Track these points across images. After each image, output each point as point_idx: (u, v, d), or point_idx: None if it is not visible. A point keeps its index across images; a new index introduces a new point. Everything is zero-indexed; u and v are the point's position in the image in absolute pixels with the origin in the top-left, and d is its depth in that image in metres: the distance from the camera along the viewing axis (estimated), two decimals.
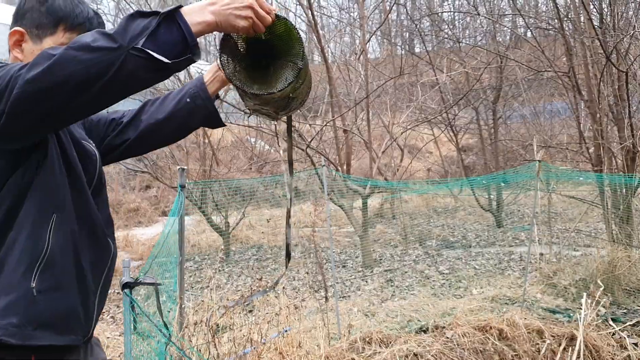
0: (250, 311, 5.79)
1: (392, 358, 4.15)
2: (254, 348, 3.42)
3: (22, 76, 1.14)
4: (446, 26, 13.45)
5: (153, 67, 1.17)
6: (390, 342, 4.55)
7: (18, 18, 1.48)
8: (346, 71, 10.10)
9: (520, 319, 4.59)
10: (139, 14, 1.18)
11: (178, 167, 3.37)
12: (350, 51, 14.38)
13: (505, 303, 5.72)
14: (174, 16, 1.19)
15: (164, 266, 4.04)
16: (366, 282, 7.23)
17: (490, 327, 4.58)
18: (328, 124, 8.09)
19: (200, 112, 1.71)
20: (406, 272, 7.65)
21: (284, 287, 6.64)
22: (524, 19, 8.50)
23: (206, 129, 9.74)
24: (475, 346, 4.41)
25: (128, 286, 1.45)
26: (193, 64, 1.30)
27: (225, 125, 1.84)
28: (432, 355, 4.23)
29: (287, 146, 1.79)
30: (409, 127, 10.21)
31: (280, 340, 3.88)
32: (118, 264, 7.47)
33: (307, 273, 7.87)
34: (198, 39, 1.23)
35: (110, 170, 16.03)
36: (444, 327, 4.83)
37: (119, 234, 11.99)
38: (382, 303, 6.07)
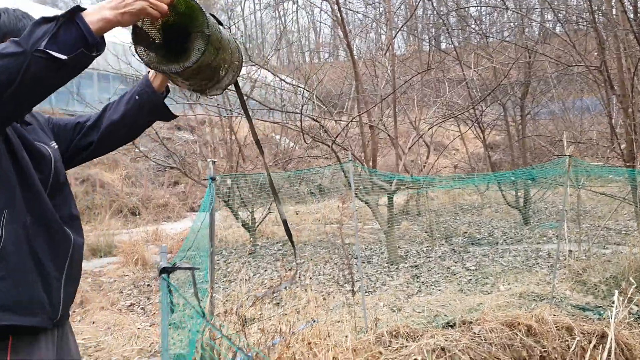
0: (278, 304, 5.84)
1: (419, 352, 4.15)
2: (283, 339, 3.45)
3: None
4: (473, 21, 13.32)
5: (54, 66, 1.26)
6: (417, 337, 4.55)
7: None
8: (372, 67, 10.08)
9: (550, 316, 4.54)
10: (43, 20, 1.26)
11: (208, 160, 3.42)
12: (375, 47, 14.35)
13: (534, 299, 5.67)
14: (72, 18, 1.27)
15: (193, 259, 4.11)
16: (392, 277, 7.23)
17: (519, 323, 4.55)
18: (354, 120, 8.09)
19: (146, 106, 1.81)
20: (432, 268, 7.62)
21: (310, 278, 6.67)
22: (554, 12, 8.37)
23: (232, 126, 9.86)
24: (503, 341, 4.38)
25: (165, 271, 1.50)
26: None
27: (176, 116, 1.93)
28: (459, 350, 4.22)
29: (250, 126, 1.92)
30: (435, 123, 10.15)
31: (308, 331, 3.91)
32: (139, 256, 7.55)
33: (333, 268, 7.90)
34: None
35: (140, 167, 16.28)
36: (471, 323, 4.81)
37: (148, 229, 12.18)
38: (408, 298, 6.06)
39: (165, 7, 1.38)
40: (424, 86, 12.13)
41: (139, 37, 1.44)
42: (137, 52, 1.44)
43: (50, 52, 1.23)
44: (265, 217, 10.74)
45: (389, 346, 4.30)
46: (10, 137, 1.55)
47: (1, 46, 1.25)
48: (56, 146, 1.80)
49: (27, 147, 1.64)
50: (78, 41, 1.27)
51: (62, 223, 1.68)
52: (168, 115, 1.90)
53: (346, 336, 4.12)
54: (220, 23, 1.60)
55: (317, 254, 9.12)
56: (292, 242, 1.93)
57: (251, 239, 10.16)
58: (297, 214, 12.61)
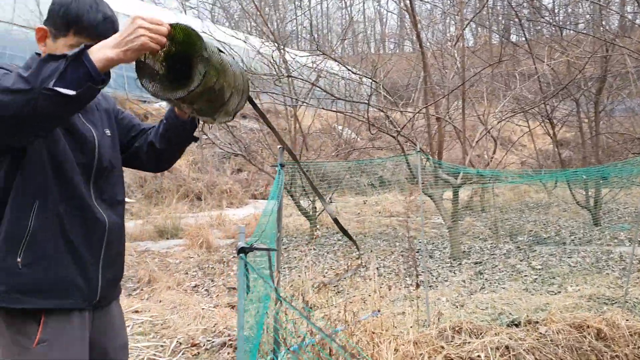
0: (339, 292, 5.88)
1: (482, 349, 4.09)
2: (347, 327, 3.48)
3: None
4: (547, 13, 12.84)
5: (62, 101, 1.33)
6: (481, 334, 4.48)
7: (47, 17, 1.69)
8: (440, 58, 9.91)
9: (622, 320, 4.37)
10: (51, 58, 1.33)
11: (278, 147, 3.48)
12: (444, 38, 14.09)
13: (604, 303, 5.45)
14: (80, 57, 1.35)
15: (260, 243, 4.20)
16: (454, 273, 7.13)
17: (588, 326, 4.40)
18: (420, 112, 7.99)
19: (172, 129, 1.93)
20: (496, 265, 7.45)
21: (376, 269, 6.67)
22: (638, 3, 7.95)
23: (297, 115, 9.94)
24: (570, 344, 4.25)
25: (243, 251, 1.56)
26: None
27: (196, 140, 2.03)
28: (524, 350, 4.13)
29: (276, 136, 2.03)
30: (504, 117, 9.88)
31: (370, 322, 3.92)
32: (212, 241, 7.72)
33: (393, 261, 7.87)
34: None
35: (206, 153, 16.70)
36: (537, 323, 4.68)
37: (212, 214, 12.51)
38: (471, 295, 5.96)
39: (164, 39, 1.43)
40: (493, 79, 11.82)
41: (142, 70, 1.50)
42: (142, 84, 1.50)
43: (58, 89, 1.31)
44: (323, 210, 10.82)
45: (451, 341, 4.26)
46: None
47: (9, 81, 1.33)
48: (109, 133, 1.88)
49: (72, 131, 1.72)
50: (85, 78, 1.35)
51: (102, 208, 1.77)
52: (191, 138, 2.00)
53: (408, 329, 4.10)
54: (221, 51, 1.63)
55: (377, 246, 9.10)
56: (348, 236, 1.96)
57: (311, 228, 10.26)
58: (365, 202, 12.59)
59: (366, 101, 6.91)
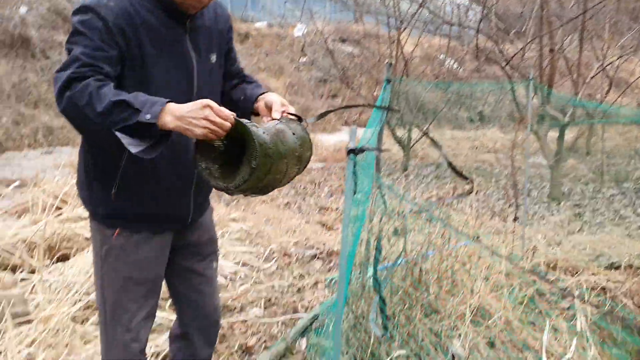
0: (430, 221, 5.86)
1: (576, 287, 3.99)
2: (438, 251, 3.48)
3: (56, 90, 1.49)
4: None
5: (120, 140, 1.49)
6: (577, 273, 4.35)
7: None
8: None
9: None
10: (126, 105, 1.44)
11: (386, 61, 3.42)
12: None
13: None
14: (148, 126, 1.44)
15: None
16: (552, 213, 6.88)
17: None
18: (533, 41, 7.51)
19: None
20: (598, 209, 7.11)
21: (471, 202, 6.57)
22: None
23: (401, 39, 9.66)
24: None
25: (353, 152, 1.59)
26: None
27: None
28: (622, 293, 3.98)
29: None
30: (623, 54, 9.10)
31: (462, 250, 3.90)
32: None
33: (488, 196, 7.70)
34: None
35: (303, 76, 16.76)
36: (639, 268, 4.48)
37: None
38: (569, 235, 5.76)
39: (223, 133, 1.50)
40: (618, 12, 10.80)
41: (200, 147, 1.58)
42: (197, 163, 1.57)
43: (118, 134, 1.48)
44: (420, 138, 10.65)
45: (544, 277, 4.18)
46: (145, 58, 1.63)
47: (93, 98, 1.45)
48: (214, 59, 1.81)
49: (174, 55, 1.69)
50: (145, 136, 1.49)
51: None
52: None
53: (501, 261, 4.05)
54: (300, 118, 1.75)
55: (476, 181, 8.92)
56: (458, 172, 1.88)
57: (405, 157, 10.18)
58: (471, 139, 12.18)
59: (475, 27, 6.57)
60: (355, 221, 2.65)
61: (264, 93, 1.88)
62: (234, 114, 1.52)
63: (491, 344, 2.88)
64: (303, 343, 3.17)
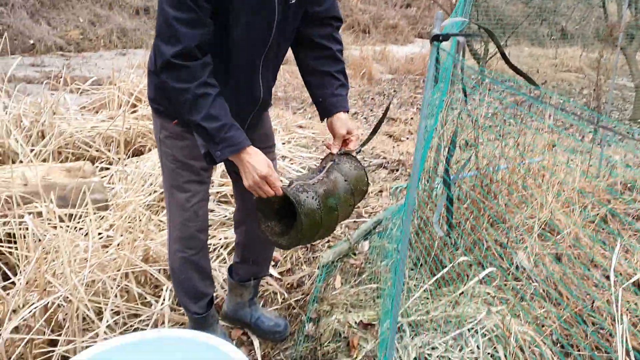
0: (501, 136, 5.67)
1: None
2: (509, 166, 3.38)
3: (158, 62, 1.63)
4: None
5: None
6: None
7: None
8: None
9: None
10: (207, 134, 1.65)
11: None
12: None
13: None
14: (220, 158, 1.69)
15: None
16: (632, 135, 6.49)
17: None
18: None
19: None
20: None
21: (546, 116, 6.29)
22: None
23: None
24: None
25: (437, 38, 1.52)
26: None
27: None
28: None
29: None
30: None
31: (535, 165, 3.77)
32: None
33: (565, 110, 7.32)
34: None
35: None
36: None
37: (376, 49, 12.36)
38: None
39: (273, 194, 1.72)
40: None
41: (261, 205, 1.81)
42: (260, 224, 1.82)
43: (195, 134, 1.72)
44: (496, 53, 10.13)
45: (619, 197, 4.00)
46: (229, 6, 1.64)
47: (182, 102, 1.62)
48: (293, 1, 1.75)
49: (253, 13, 1.67)
50: (213, 159, 1.71)
51: (262, 84, 1.88)
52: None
53: (575, 177, 3.90)
54: (363, 167, 1.90)
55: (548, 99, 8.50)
56: (525, 76, 1.79)
57: (480, 70, 9.75)
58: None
59: None
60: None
61: (338, 112, 1.92)
62: (285, 186, 1.72)
63: (557, 259, 2.83)
64: (365, 245, 3.23)
